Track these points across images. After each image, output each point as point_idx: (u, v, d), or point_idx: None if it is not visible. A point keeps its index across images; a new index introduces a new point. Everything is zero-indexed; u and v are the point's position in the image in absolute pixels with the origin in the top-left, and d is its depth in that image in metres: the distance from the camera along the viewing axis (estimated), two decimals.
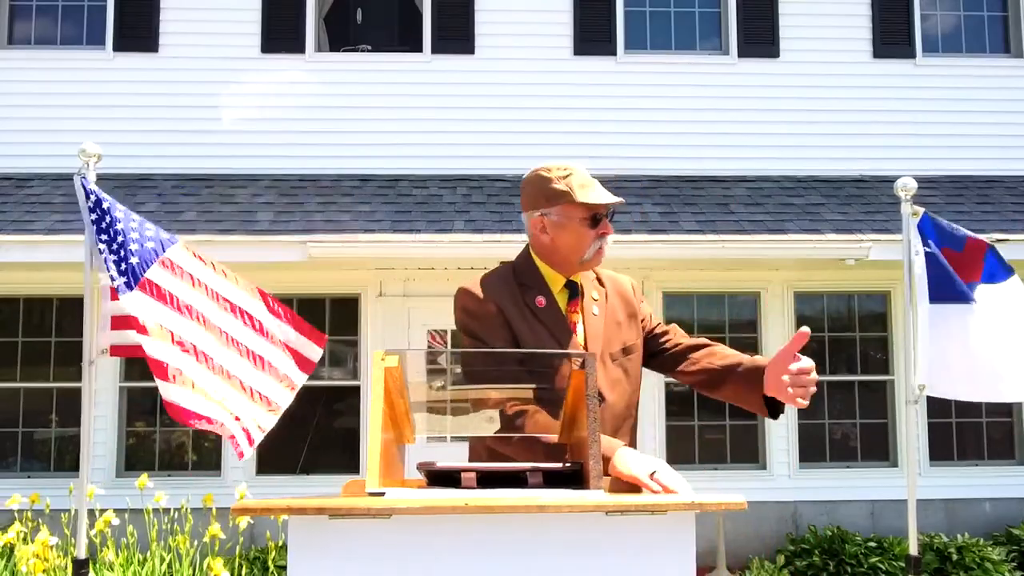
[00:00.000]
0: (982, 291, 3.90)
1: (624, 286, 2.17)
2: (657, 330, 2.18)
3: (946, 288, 3.87)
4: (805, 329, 1.86)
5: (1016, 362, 3.80)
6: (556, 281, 2.06)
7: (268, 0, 7.40)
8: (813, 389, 1.87)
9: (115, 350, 3.44)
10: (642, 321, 2.16)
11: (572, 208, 1.99)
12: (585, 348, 2.00)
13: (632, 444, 2.02)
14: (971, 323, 3.83)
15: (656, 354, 2.16)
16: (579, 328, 2.04)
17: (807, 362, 1.86)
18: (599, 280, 2.15)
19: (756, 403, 1.99)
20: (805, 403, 1.86)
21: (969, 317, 3.83)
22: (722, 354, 2.08)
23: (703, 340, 2.16)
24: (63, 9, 7.51)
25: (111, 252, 3.39)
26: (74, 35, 7.50)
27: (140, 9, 7.35)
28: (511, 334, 1.96)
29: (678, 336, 2.18)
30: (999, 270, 3.94)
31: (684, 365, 2.11)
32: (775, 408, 1.99)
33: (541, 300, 2.02)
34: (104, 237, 3.40)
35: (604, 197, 2.01)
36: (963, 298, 3.83)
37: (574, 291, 2.07)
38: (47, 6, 7.51)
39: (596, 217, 2.01)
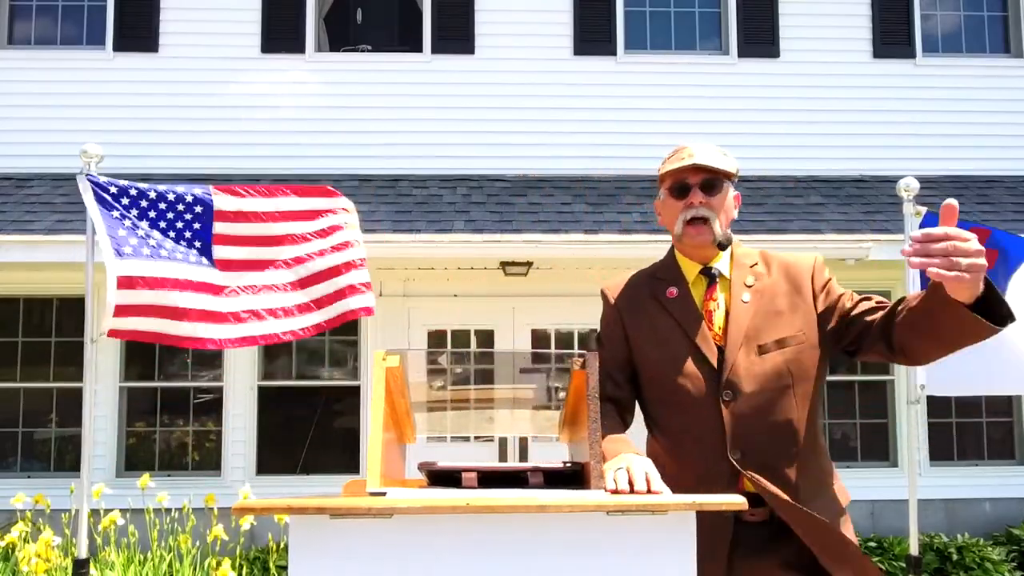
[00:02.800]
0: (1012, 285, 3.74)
1: (800, 270, 1.92)
2: (848, 309, 1.85)
3: None
4: (951, 201, 1.51)
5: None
6: (691, 270, 1.96)
7: (268, 0, 7.40)
8: (965, 257, 1.44)
9: (113, 333, 3.46)
10: (826, 307, 1.88)
11: (663, 184, 1.97)
12: (724, 337, 1.85)
13: (802, 454, 1.80)
14: None
15: (863, 337, 1.81)
16: (716, 316, 1.89)
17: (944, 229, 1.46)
18: (767, 265, 1.95)
19: (961, 318, 1.54)
20: (951, 275, 1.44)
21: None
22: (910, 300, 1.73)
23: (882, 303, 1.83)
24: (63, 9, 7.51)
25: (134, 234, 3.41)
26: (74, 35, 7.50)
27: (140, 9, 7.35)
28: (622, 333, 1.95)
29: (870, 308, 1.82)
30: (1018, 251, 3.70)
31: (893, 339, 1.73)
32: (990, 309, 1.54)
33: (672, 291, 1.93)
34: (127, 223, 3.42)
35: (677, 164, 1.89)
36: None
37: (713, 279, 1.94)
38: (47, 6, 7.51)
39: (678, 187, 1.91)
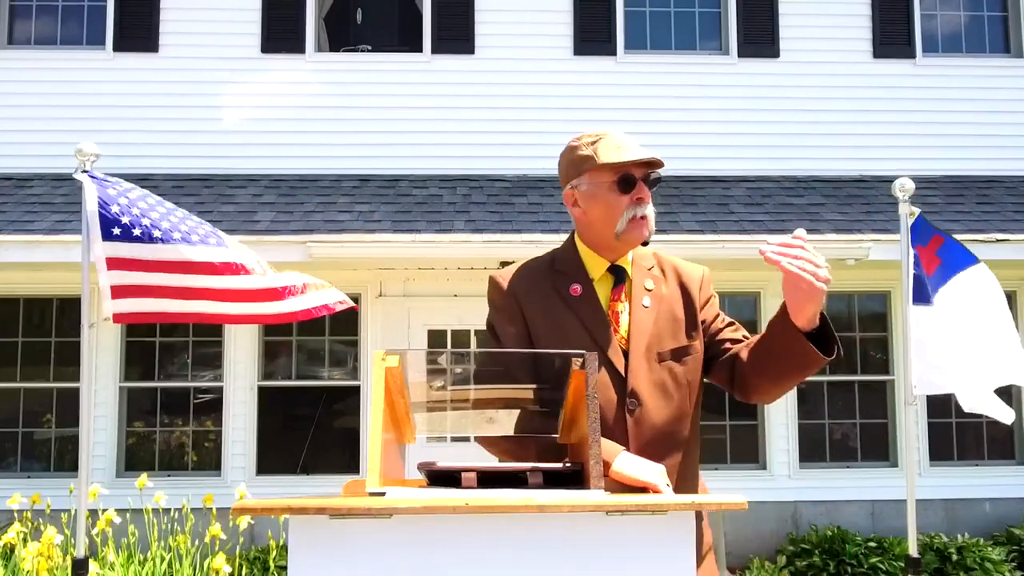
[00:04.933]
0: (944, 291, 3.91)
1: (691, 279, 1.89)
2: (717, 330, 1.88)
3: (923, 291, 3.93)
4: (799, 231, 1.61)
5: (996, 348, 3.84)
6: (597, 267, 1.85)
7: (268, 0, 7.40)
8: (810, 263, 1.56)
9: (117, 317, 3.46)
10: (702, 321, 1.86)
11: (598, 173, 1.80)
12: (627, 343, 1.79)
13: (687, 461, 1.82)
14: (940, 321, 3.89)
15: (713, 360, 1.86)
16: (622, 319, 1.81)
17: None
18: (662, 270, 1.90)
19: (795, 342, 1.63)
20: (803, 273, 1.55)
21: (936, 316, 3.90)
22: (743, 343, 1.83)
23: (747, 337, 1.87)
24: (63, 9, 7.51)
25: (128, 213, 3.42)
26: (74, 35, 7.50)
27: (140, 9, 7.35)
28: (523, 328, 1.81)
29: (736, 336, 1.87)
30: (960, 259, 3.91)
31: (735, 368, 1.81)
32: (823, 341, 1.65)
33: (576, 288, 1.82)
34: (123, 200, 3.44)
35: (632, 155, 1.77)
36: (927, 300, 3.89)
37: (620, 278, 1.85)
38: (47, 6, 7.51)
39: (627, 180, 1.77)
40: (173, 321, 3.53)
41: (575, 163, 1.85)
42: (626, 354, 1.78)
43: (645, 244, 1.86)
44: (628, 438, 1.75)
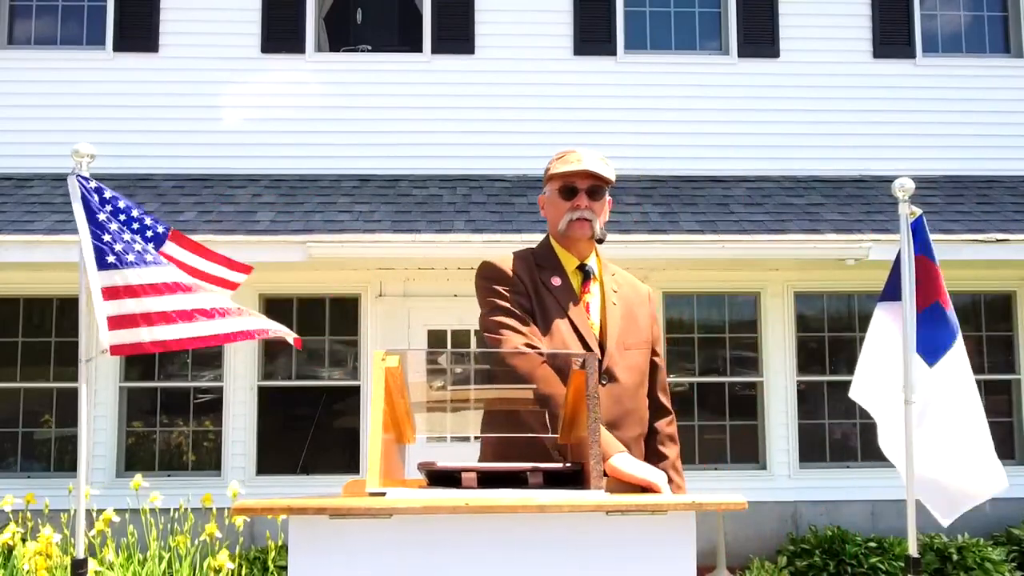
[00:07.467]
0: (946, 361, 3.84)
1: (643, 294, 2.25)
2: (653, 345, 2.22)
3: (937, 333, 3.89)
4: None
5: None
6: (570, 262, 2.17)
7: (268, 0, 7.40)
8: None
9: (115, 349, 3.46)
10: (652, 342, 2.21)
11: (552, 182, 2.17)
12: (603, 332, 2.09)
13: (641, 437, 2.12)
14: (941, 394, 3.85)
15: None
16: (592, 311, 2.12)
17: None
18: (618, 276, 2.24)
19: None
20: None
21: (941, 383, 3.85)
22: (661, 446, 2.17)
23: (666, 410, 2.22)
24: (63, 9, 7.51)
25: (119, 240, 3.42)
26: (74, 35, 7.49)
27: (140, 9, 7.35)
28: (530, 304, 2.06)
29: (656, 386, 2.21)
30: (948, 335, 3.78)
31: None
32: None
33: (556, 280, 2.12)
34: (113, 227, 3.43)
35: (569, 168, 2.11)
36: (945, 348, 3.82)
37: (588, 275, 2.16)
38: (47, 6, 7.51)
39: (567, 189, 2.13)
40: (168, 350, 3.53)
41: (544, 175, 2.24)
42: (601, 341, 2.08)
43: (600, 242, 2.18)
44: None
